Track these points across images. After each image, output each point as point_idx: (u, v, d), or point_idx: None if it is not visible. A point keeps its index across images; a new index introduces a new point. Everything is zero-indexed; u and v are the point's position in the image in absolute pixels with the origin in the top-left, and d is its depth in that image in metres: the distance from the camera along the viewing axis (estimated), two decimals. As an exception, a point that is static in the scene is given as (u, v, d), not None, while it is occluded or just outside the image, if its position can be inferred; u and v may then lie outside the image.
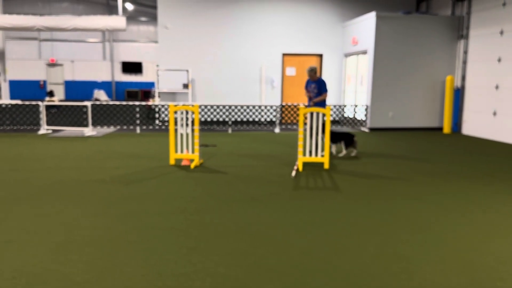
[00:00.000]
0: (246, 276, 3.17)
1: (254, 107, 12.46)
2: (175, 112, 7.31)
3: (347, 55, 13.95)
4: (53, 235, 3.94)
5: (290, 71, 14.20)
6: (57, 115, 14.71)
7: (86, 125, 11.54)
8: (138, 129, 11.90)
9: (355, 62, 13.43)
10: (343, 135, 8.25)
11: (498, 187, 5.98)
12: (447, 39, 12.29)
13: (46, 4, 25.95)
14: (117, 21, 14.73)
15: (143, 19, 27.26)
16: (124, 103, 12.60)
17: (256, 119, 12.81)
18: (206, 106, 12.45)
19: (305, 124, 8.36)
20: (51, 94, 18.84)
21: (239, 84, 13.95)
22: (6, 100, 16.25)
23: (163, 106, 12.96)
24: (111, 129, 12.11)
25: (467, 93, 11.95)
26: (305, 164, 7.29)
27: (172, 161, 7.28)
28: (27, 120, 12.40)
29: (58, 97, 23.21)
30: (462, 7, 12.04)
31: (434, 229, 4.23)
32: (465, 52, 11.91)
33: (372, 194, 5.52)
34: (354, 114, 12.95)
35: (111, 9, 26.26)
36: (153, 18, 26.19)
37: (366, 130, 12.50)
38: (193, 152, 7.47)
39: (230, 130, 12.15)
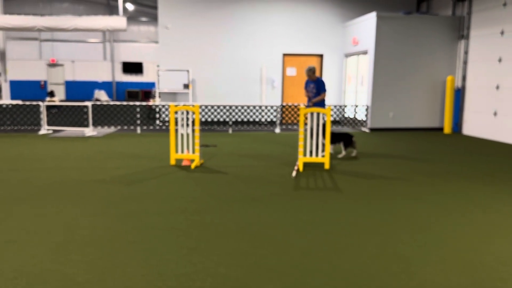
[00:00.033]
0: (247, 276, 3.17)
1: (254, 107, 12.46)
2: (176, 112, 7.31)
3: (347, 55, 13.95)
4: (53, 235, 3.95)
5: (291, 71, 14.20)
6: (58, 115, 14.72)
7: (86, 125, 11.55)
8: (138, 129, 11.91)
9: (356, 62, 13.43)
10: (342, 135, 8.20)
11: (498, 187, 5.97)
12: (447, 39, 12.29)
13: (47, 5, 25.97)
14: (118, 21, 14.75)
15: (143, 19, 27.28)
16: (124, 103, 12.61)
17: (257, 119, 12.82)
18: (206, 106, 12.46)
19: (305, 124, 8.37)
20: (51, 94, 18.85)
21: (239, 84, 13.96)
22: (7, 100, 16.27)
23: (163, 106, 12.96)
24: (112, 129, 12.12)
25: (468, 93, 11.94)
26: (306, 164, 7.29)
27: (172, 161, 7.28)
28: (27, 120, 12.41)
29: (59, 97, 23.24)
30: (463, 7, 12.04)
31: (434, 229, 4.23)
32: (466, 52, 11.90)
33: (372, 194, 5.52)
34: (355, 115, 12.95)
35: (111, 10, 26.29)
36: (153, 19, 26.22)
37: (367, 130, 12.50)
38: (193, 152, 7.47)
39: (230, 130, 12.15)
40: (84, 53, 26.91)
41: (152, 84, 26.14)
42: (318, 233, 4.09)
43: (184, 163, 7.32)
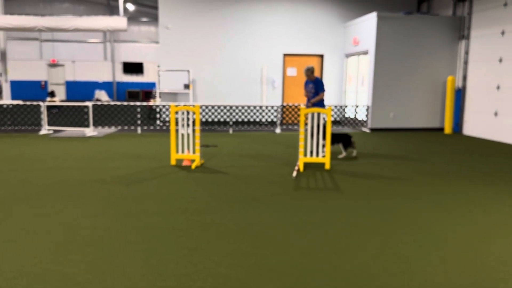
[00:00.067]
0: (247, 277, 3.17)
1: (255, 107, 12.46)
2: (176, 113, 7.31)
3: (348, 55, 13.94)
4: (53, 235, 3.95)
5: (291, 72, 14.20)
6: (58, 115, 14.73)
7: (87, 126, 11.56)
8: (139, 130, 11.91)
9: (356, 62, 13.43)
10: (341, 136, 8.15)
11: (498, 187, 5.97)
12: (448, 39, 12.29)
13: (47, 5, 26.00)
14: (118, 21, 14.76)
15: (144, 19, 27.30)
16: (125, 103, 12.61)
17: (257, 120, 12.82)
18: (207, 107, 12.46)
19: (306, 124, 8.36)
20: (52, 94, 18.87)
21: (240, 84, 13.96)
22: (8, 101, 16.29)
23: (164, 106, 12.97)
24: (112, 129, 12.13)
25: (468, 94, 11.94)
26: (306, 165, 7.29)
27: (173, 162, 7.28)
28: (28, 121, 12.42)
29: (59, 98, 23.25)
30: (463, 8, 12.03)
31: (435, 229, 4.22)
32: (466, 53, 11.90)
33: (372, 194, 5.52)
34: (355, 115, 12.95)
35: (112, 10, 26.31)
36: (154, 19, 26.23)
37: (367, 130, 12.50)
38: (194, 152, 7.47)
39: (231, 131, 12.16)
40: (85, 53, 26.93)
41: (152, 84, 26.15)
42: (318, 233, 4.09)
43: (185, 163, 7.32)
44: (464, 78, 12.00)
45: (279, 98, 14.16)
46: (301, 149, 7.09)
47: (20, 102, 12.70)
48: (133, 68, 27.35)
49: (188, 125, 7.62)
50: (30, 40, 26.19)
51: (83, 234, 3.99)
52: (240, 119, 12.47)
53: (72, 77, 26.92)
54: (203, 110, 12.49)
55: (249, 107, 12.37)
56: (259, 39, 13.86)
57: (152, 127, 12.26)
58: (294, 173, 6.65)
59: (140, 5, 25.82)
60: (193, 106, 7.34)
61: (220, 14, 13.66)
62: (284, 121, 13.48)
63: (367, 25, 12.40)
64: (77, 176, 6.36)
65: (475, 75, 11.64)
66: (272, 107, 12.54)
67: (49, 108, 14.76)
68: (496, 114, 10.76)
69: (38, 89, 26.39)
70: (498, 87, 10.71)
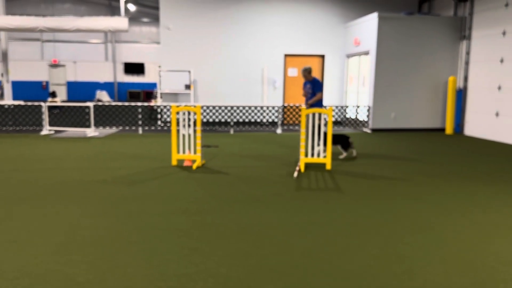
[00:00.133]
0: (248, 277, 3.17)
1: (256, 108, 12.47)
2: (177, 113, 7.32)
3: (349, 56, 13.94)
4: (54, 235, 3.96)
5: (292, 72, 14.20)
6: (60, 115, 14.76)
7: (88, 126, 11.57)
8: (140, 130, 11.93)
9: (357, 63, 13.42)
10: (338, 138, 8.09)
11: (499, 187, 5.97)
12: (449, 39, 12.28)
13: (49, 5, 26.04)
14: (119, 22, 14.77)
15: (145, 20, 27.33)
16: (126, 104, 12.62)
17: (258, 120, 12.82)
18: (208, 107, 12.47)
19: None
20: (53, 95, 18.90)
21: (241, 85, 13.97)
22: (9, 101, 16.31)
23: (165, 107, 12.98)
24: (113, 129, 12.14)
25: (470, 94, 11.93)
26: (307, 165, 7.30)
27: (174, 162, 7.29)
28: (29, 121, 12.44)
29: (61, 98, 23.29)
30: (465, 8, 12.02)
31: (435, 230, 4.22)
32: (468, 53, 11.89)
33: (373, 195, 5.52)
34: (356, 115, 12.94)
35: (113, 10, 26.35)
36: (155, 19, 26.26)
37: (368, 131, 12.49)
38: (195, 152, 7.48)
39: (232, 131, 12.16)
40: (86, 54, 26.98)
41: (153, 85, 26.18)
42: (319, 233, 4.09)
43: (186, 163, 7.32)
44: (465, 78, 11.99)
45: (280, 99, 14.16)
46: (302, 150, 7.09)
47: (22, 103, 12.72)
48: (134, 68, 27.38)
49: (189, 125, 7.62)
50: (32, 40, 26.24)
51: (84, 234, 4.00)
52: (241, 120, 12.47)
53: (73, 78, 26.96)
54: (204, 111, 12.50)
55: (250, 107, 12.38)
56: (260, 39, 13.87)
57: (153, 128, 12.28)
58: (295, 174, 6.65)
59: (141, 5, 25.86)
60: (194, 106, 7.35)
61: (221, 15, 13.68)
62: (285, 122, 13.48)
63: (368, 25, 12.40)
64: (78, 176, 6.37)
65: (476, 76, 11.63)
66: (273, 107, 12.54)
67: (50, 108, 14.78)
68: (497, 114, 10.75)
69: (40, 90, 26.43)
70: (499, 88, 10.70)
